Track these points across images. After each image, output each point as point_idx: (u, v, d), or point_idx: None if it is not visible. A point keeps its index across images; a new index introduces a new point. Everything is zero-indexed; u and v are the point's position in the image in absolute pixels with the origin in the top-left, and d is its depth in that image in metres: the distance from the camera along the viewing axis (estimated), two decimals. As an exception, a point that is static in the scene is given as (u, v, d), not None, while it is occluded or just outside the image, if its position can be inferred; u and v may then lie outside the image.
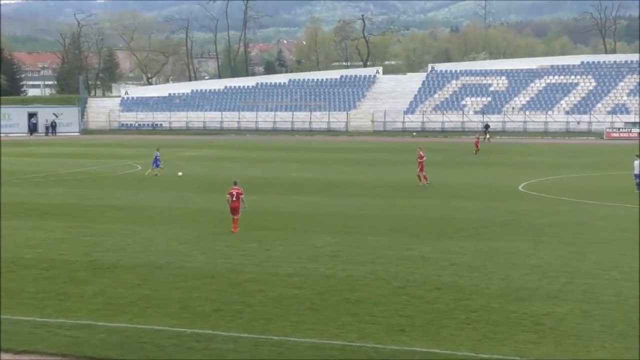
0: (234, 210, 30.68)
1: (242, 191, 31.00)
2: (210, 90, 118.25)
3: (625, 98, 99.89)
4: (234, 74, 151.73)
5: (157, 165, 51.87)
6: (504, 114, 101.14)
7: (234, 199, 30.64)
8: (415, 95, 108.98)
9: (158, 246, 28.26)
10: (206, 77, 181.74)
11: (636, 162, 42.35)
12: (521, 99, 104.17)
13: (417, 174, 46.02)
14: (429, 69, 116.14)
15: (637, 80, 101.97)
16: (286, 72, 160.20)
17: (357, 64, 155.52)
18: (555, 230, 31.17)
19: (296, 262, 25.38)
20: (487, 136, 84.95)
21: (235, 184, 31.52)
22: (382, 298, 21.06)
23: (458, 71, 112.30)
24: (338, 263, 25.30)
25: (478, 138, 72.56)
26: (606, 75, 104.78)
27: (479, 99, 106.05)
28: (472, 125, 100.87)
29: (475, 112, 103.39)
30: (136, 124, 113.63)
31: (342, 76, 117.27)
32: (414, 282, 22.71)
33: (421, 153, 45.88)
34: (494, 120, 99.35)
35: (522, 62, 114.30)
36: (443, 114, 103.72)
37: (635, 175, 42.37)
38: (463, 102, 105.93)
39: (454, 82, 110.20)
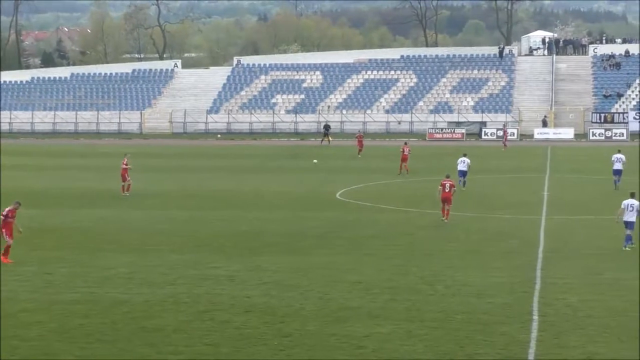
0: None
1: (7, 212, 28.52)
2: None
3: (447, 95, 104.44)
4: (4, 66, 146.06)
5: None
6: (319, 113, 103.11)
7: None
8: (220, 92, 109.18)
9: None
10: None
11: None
12: (337, 97, 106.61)
13: (122, 184, 46.17)
14: (235, 62, 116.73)
15: (460, 77, 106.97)
16: (68, 64, 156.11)
17: (152, 56, 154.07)
18: (377, 241, 32.15)
19: (83, 287, 24.83)
20: (328, 138, 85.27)
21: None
22: (184, 324, 20.97)
23: (267, 65, 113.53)
24: (133, 286, 24.98)
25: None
26: (428, 71, 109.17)
27: (291, 96, 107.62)
28: (284, 127, 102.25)
29: (287, 112, 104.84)
30: None
31: (134, 70, 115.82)
32: (220, 305, 22.75)
33: (126, 160, 46.43)
34: (308, 121, 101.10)
35: (338, 56, 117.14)
36: (251, 113, 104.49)
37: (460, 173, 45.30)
38: (273, 100, 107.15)
39: (263, 77, 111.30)
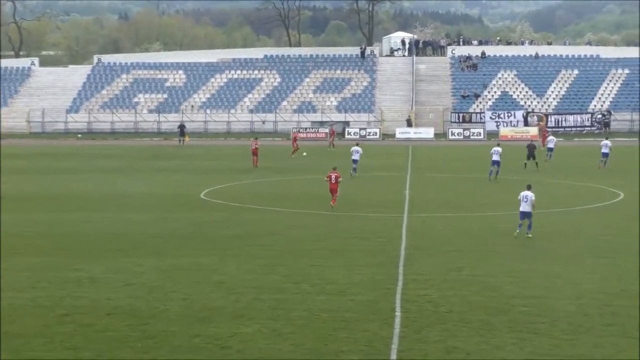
0: None
1: None
2: None
3: (311, 95, 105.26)
4: None
5: None
6: (183, 112, 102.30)
7: None
8: (80, 91, 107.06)
9: None
10: None
11: None
12: (201, 96, 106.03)
13: None
14: (95, 60, 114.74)
15: (323, 77, 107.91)
16: None
17: (8, 53, 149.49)
18: (243, 241, 32.14)
19: (-64, 293, 23.94)
20: (185, 138, 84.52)
21: None
22: (44, 329, 20.51)
23: (129, 64, 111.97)
24: (-10, 291, 24.25)
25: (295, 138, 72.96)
26: (291, 70, 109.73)
27: (153, 95, 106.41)
28: (147, 126, 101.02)
29: (150, 111, 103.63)
30: None
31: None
32: (82, 308, 22.35)
33: None
34: (171, 120, 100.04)
35: (201, 55, 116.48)
36: (113, 112, 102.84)
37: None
38: (136, 100, 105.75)
39: (124, 76, 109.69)
